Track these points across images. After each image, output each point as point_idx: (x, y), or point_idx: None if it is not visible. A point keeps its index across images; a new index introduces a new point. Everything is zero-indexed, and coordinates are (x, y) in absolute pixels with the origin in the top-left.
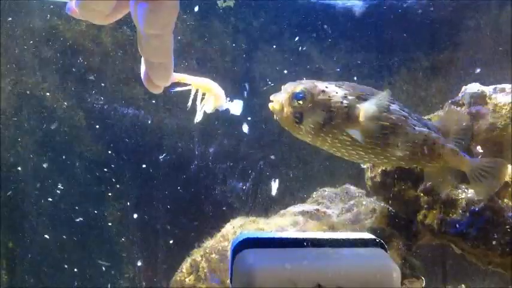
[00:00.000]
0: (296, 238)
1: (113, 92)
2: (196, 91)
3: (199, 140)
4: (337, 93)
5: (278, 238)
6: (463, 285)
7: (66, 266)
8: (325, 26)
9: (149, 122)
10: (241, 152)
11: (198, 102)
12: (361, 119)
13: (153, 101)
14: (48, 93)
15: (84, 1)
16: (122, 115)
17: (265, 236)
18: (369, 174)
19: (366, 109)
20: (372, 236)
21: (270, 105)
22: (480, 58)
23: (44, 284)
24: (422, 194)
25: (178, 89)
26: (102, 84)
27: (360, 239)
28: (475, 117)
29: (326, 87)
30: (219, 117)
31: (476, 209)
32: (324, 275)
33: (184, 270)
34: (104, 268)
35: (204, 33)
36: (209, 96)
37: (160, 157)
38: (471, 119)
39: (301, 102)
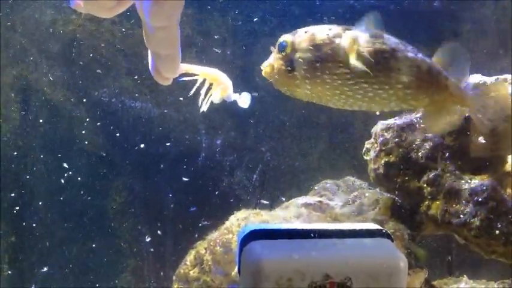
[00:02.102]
0: (303, 229)
1: (115, 85)
2: (204, 81)
3: (203, 132)
4: (320, 30)
5: (285, 229)
6: (465, 275)
7: (69, 259)
8: (325, 18)
9: (151, 114)
10: (241, 144)
11: (204, 92)
12: (351, 45)
13: (155, 93)
14: (48, 87)
15: None
16: (123, 108)
17: (272, 228)
18: (372, 165)
19: (354, 34)
20: (378, 227)
21: (263, 72)
22: (482, 49)
23: (47, 277)
24: (425, 185)
25: (186, 78)
26: (104, 78)
27: (366, 230)
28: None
29: (306, 31)
30: (221, 109)
31: (480, 199)
32: (332, 266)
33: (188, 263)
34: (106, 260)
35: (204, 26)
36: (217, 86)
37: (163, 149)
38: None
39: (287, 49)
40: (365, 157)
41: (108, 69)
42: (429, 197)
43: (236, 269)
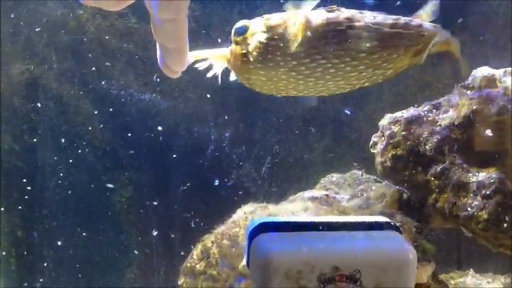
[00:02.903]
0: (312, 222)
1: (122, 79)
2: (216, 62)
3: (210, 125)
4: (277, 14)
5: (294, 222)
6: (471, 269)
7: (76, 253)
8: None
9: (159, 107)
10: (247, 138)
11: (220, 72)
12: (302, 22)
13: (163, 87)
14: (54, 81)
15: None
16: (130, 101)
17: (281, 220)
18: (379, 159)
19: (308, 13)
20: (387, 219)
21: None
22: (490, 41)
23: (53, 272)
24: (433, 178)
25: (200, 64)
26: (111, 72)
27: (374, 222)
28: (485, 101)
29: (262, 16)
30: (227, 103)
31: (487, 192)
32: (341, 258)
33: (195, 257)
34: (113, 254)
35: (208, 19)
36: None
37: (169, 143)
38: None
39: (244, 34)
40: (372, 150)
41: (114, 62)
42: (437, 190)
43: (243, 262)
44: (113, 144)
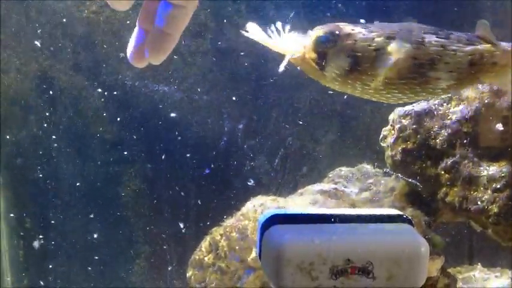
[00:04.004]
0: (324, 214)
1: (132, 72)
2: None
3: (220, 118)
4: (364, 35)
5: (306, 214)
6: (479, 263)
7: (82, 246)
8: (340, 6)
9: (167, 99)
10: (256, 131)
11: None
12: (392, 61)
13: (167, 80)
14: (62, 73)
15: None
16: (140, 94)
17: (293, 213)
18: (389, 152)
19: (396, 49)
20: (399, 212)
21: (290, 58)
22: (497, 35)
23: (59, 265)
24: (443, 172)
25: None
26: (120, 64)
27: (386, 215)
28: (496, 95)
29: (352, 29)
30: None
31: (498, 186)
32: (354, 250)
33: (203, 249)
34: (121, 247)
35: (217, 15)
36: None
37: (179, 136)
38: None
39: (326, 46)
40: (382, 144)
41: (122, 55)
42: (447, 184)
43: (252, 255)
44: (122, 137)
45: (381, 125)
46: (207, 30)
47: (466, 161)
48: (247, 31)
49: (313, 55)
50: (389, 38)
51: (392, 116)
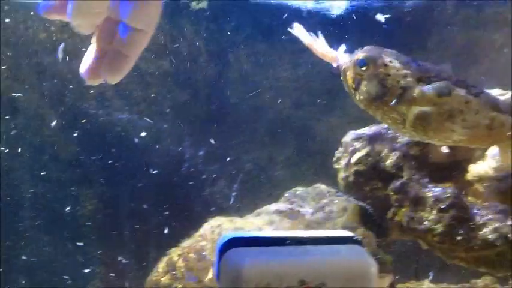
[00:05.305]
0: (280, 237)
1: (84, 91)
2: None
3: (175, 140)
4: (397, 71)
5: (263, 237)
6: (427, 280)
7: (38, 266)
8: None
9: (123, 121)
10: (214, 151)
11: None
12: (415, 102)
13: (125, 101)
14: (19, 94)
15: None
16: (95, 115)
17: (251, 236)
18: (342, 174)
19: (421, 92)
20: (350, 234)
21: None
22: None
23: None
24: (392, 193)
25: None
26: (76, 84)
27: (338, 237)
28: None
29: (390, 61)
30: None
31: (443, 206)
32: (308, 271)
33: (160, 270)
34: (76, 268)
35: (177, 35)
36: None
37: (136, 156)
38: None
39: (362, 69)
40: (335, 166)
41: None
42: (396, 204)
43: (209, 276)
44: (78, 156)
45: (336, 146)
46: (166, 52)
47: (413, 183)
48: (293, 29)
49: (351, 74)
50: (420, 80)
51: (345, 139)
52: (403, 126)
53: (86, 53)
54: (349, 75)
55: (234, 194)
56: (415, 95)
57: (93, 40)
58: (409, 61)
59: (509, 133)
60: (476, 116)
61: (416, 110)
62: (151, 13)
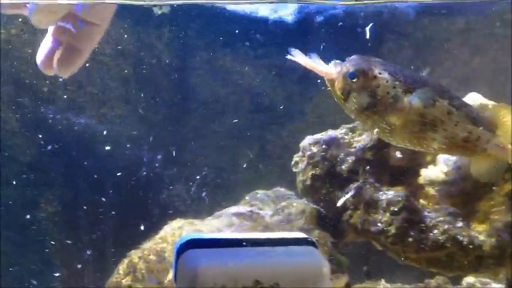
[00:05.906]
0: (237, 238)
1: (47, 95)
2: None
3: (136, 144)
4: (387, 82)
5: (220, 239)
6: (383, 279)
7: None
8: (258, 35)
9: (84, 125)
10: (175, 156)
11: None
12: (402, 112)
13: (87, 104)
14: None
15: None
16: (56, 119)
17: (208, 237)
18: (300, 177)
19: (409, 103)
20: (305, 235)
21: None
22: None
23: None
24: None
25: None
26: (38, 88)
27: (293, 238)
28: None
29: (380, 73)
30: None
31: (395, 209)
32: (262, 272)
33: (121, 272)
34: (37, 271)
35: (139, 40)
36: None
37: (97, 160)
38: None
39: (352, 81)
40: (294, 169)
41: (42, 79)
42: (351, 207)
43: (170, 277)
44: (38, 159)
45: (295, 150)
46: (126, 56)
47: (367, 186)
48: (292, 56)
49: (341, 85)
50: (407, 91)
51: (303, 144)
52: (390, 134)
53: (42, 43)
54: (338, 85)
55: (195, 196)
56: (403, 105)
57: (50, 30)
58: (396, 71)
59: (484, 146)
60: (455, 127)
61: (404, 119)
62: (105, 7)
